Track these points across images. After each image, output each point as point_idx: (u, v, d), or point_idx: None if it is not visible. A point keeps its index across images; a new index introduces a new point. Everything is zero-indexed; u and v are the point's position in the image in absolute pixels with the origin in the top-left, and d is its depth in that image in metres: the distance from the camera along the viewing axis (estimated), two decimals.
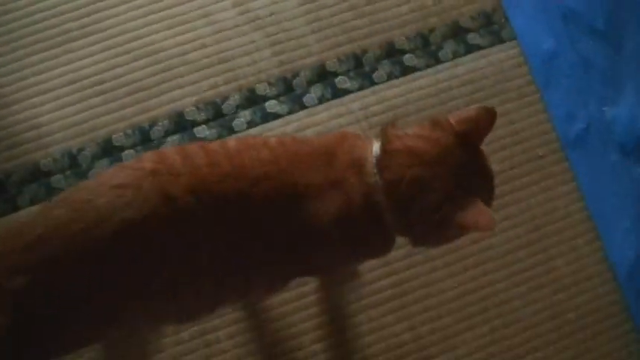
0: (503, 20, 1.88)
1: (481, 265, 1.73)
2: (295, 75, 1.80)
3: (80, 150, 1.72)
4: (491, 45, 1.86)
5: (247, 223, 1.18)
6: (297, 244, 1.22)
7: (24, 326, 1.08)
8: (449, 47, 1.85)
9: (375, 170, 1.19)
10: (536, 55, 1.85)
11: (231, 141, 1.24)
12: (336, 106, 1.79)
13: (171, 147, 1.23)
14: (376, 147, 1.21)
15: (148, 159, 1.17)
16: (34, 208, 1.68)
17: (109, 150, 1.73)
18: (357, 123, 1.77)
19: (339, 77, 1.81)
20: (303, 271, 1.34)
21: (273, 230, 1.20)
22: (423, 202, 1.16)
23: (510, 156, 1.79)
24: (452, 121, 1.18)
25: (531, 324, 1.71)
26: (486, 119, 1.18)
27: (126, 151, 1.73)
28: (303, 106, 1.79)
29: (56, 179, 1.71)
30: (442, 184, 1.15)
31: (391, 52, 1.84)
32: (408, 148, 1.18)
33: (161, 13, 1.82)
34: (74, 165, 1.72)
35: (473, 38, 1.86)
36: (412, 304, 1.70)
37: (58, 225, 1.10)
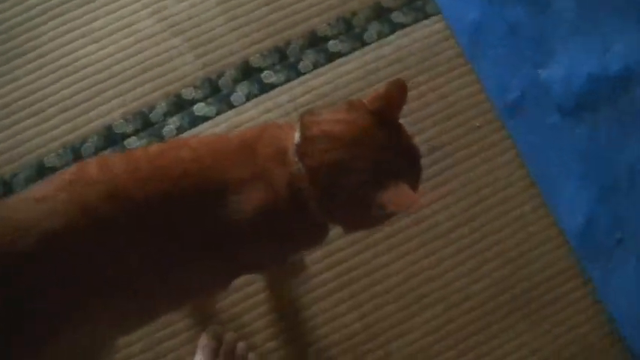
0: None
1: (426, 245, 1.69)
2: (220, 75, 1.78)
3: (14, 175, 1.72)
4: (416, 21, 1.82)
5: (172, 224, 1.16)
6: (223, 241, 1.20)
7: None
8: (373, 29, 1.82)
9: (296, 159, 1.17)
10: (462, 28, 1.81)
11: (154, 146, 1.23)
12: (265, 101, 1.76)
13: (94, 157, 1.22)
14: (297, 135, 1.19)
15: (69, 171, 1.17)
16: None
17: (42, 172, 1.72)
18: (287, 116, 1.74)
19: (265, 72, 1.78)
20: (237, 268, 1.31)
21: (198, 229, 1.18)
22: (343, 185, 1.14)
23: (447, 130, 1.75)
24: (365, 101, 1.16)
25: (483, 300, 1.67)
26: (397, 93, 1.15)
27: (59, 172, 1.72)
28: (232, 106, 1.76)
29: None
30: (361, 165, 1.13)
31: (314, 40, 1.81)
32: (325, 133, 1.16)
33: (83, 29, 1.80)
34: (9, 191, 1.72)
35: (396, 17, 1.83)
36: (360, 293, 1.67)
37: None
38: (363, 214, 1.19)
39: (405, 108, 1.75)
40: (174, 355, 1.63)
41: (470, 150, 1.75)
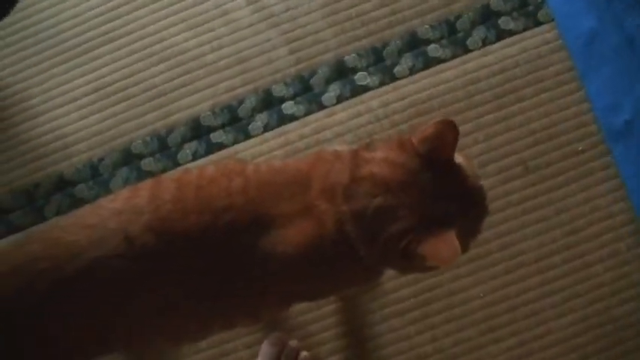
0: (539, 0, 1.72)
1: (511, 272, 1.60)
2: (313, 73, 1.72)
3: (101, 160, 1.74)
4: (525, 29, 1.69)
5: (208, 257, 1.15)
6: (263, 276, 1.17)
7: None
8: (478, 34, 1.70)
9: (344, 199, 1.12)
10: (575, 38, 1.66)
11: (210, 168, 1.20)
12: (356, 104, 1.69)
13: (148, 181, 1.22)
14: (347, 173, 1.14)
15: (121, 196, 1.17)
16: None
17: (129, 158, 1.73)
18: (378, 122, 1.67)
19: (359, 74, 1.70)
20: (278, 301, 1.29)
21: (240, 263, 1.16)
22: (386, 232, 1.08)
23: (546, 151, 1.63)
24: (414, 140, 1.09)
25: (565, 337, 1.58)
26: (448, 133, 1.07)
27: (144, 159, 1.73)
28: (322, 106, 1.70)
29: (79, 189, 1.74)
30: (405, 213, 1.06)
31: (414, 43, 1.71)
32: (372, 175, 1.10)
33: (181, 14, 1.78)
34: (96, 174, 1.75)
35: (505, 22, 1.70)
36: (435, 315, 1.60)
37: (32, 259, 1.13)
38: (404, 263, 1.13)
39: (504, 124, 1.66)
40: (238, 356, 1.63)
41: (568, 175, 1.63)
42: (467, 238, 1.12)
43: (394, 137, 1.13)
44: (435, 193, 1.08)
